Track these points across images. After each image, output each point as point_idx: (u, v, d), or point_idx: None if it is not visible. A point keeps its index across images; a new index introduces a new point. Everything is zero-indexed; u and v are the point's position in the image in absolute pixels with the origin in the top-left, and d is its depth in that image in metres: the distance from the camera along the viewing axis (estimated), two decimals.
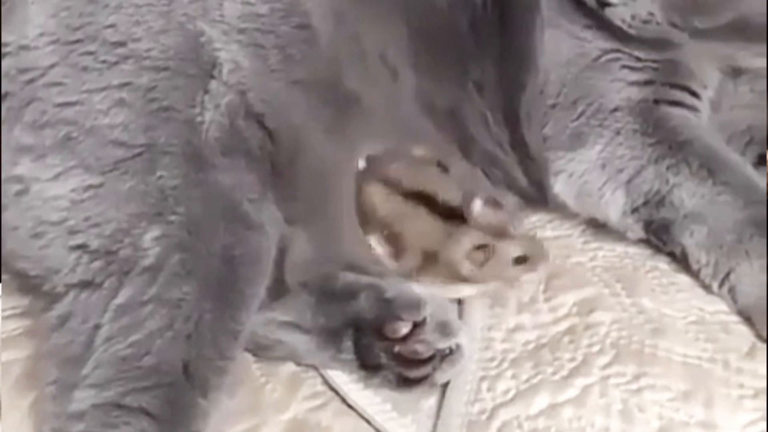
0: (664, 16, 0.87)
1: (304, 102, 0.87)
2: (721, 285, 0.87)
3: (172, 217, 0.79)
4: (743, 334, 0.85)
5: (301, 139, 0.86)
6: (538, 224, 1.00)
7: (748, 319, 0.86)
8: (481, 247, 0.89)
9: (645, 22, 0.88)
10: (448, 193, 0.91)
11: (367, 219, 0.91)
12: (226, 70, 0.84)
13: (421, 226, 0.91)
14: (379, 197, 0.91)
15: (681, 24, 0.87)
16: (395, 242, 0.91)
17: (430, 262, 0.90)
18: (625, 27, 0.88)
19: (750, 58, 0.91)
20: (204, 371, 0.76)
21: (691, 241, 0.88)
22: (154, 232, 0.78)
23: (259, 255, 0.81)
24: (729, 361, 0.83)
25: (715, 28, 0.88)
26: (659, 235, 0.91)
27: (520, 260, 0.89)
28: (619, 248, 0.95)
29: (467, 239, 0.89)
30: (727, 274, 0.86)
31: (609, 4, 0.88)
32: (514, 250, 0.89)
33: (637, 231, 0.92)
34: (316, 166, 0.87)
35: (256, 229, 0.81)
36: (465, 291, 0.90)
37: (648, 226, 0.91)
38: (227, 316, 0.78)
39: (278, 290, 0.87)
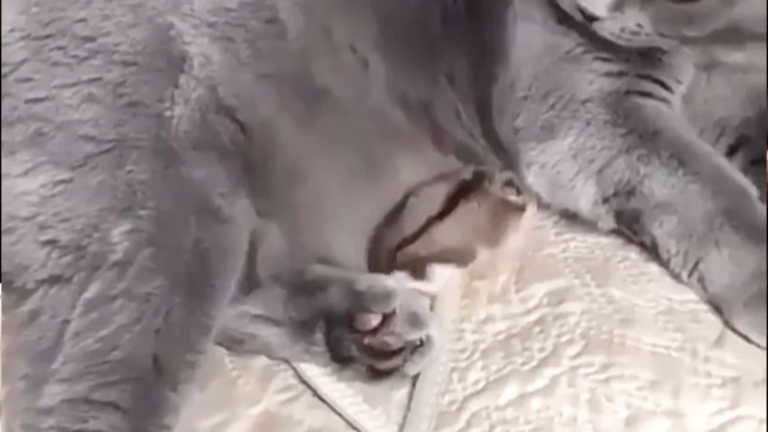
0: (653, 26, 0.87)
1: (275, 96, 0.87)
2: (690, 274, 0.87)
3: (142, 212, 0.79)
4: (712, 324, 0.86)
5: (272, 133, 0.87)
6: None
7: (717, 308, 0.86)
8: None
9: (634, 33, 0.87)
10: None
11: None
12: (196, 64, 0.85)
13: None
14: None
15: (670, 34, 0.87)
16: None
17: None
18: (613, 39, 0.88)
19: (728, 53, 0.91)
20: (174, 365, 0.76)
21: (661, 231, 0.88)
22: (124, 226, 0.78)
23: (230, 248, 0.81)
24: (697, 350, 0.84)
25: (705, 36, 0.87)
26: (630, 226, 0.91)
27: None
28: (591, 239, 0.96)
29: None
30: (696, 264, 0.87)
31: (596, 18, 0.87)
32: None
33: (608, 221, 0.93)
34: (287, 159, 0.87)
35: (227, 222, 0.81)
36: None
37: (619, 216, 0.91)
38: (197, 310, 0.78)
39: (250, 284, 0.87)
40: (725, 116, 0.96)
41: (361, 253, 0.93)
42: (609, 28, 0.87)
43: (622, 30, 0.87)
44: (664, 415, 0.78)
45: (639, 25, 0.86)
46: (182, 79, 0.84)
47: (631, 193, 0.89)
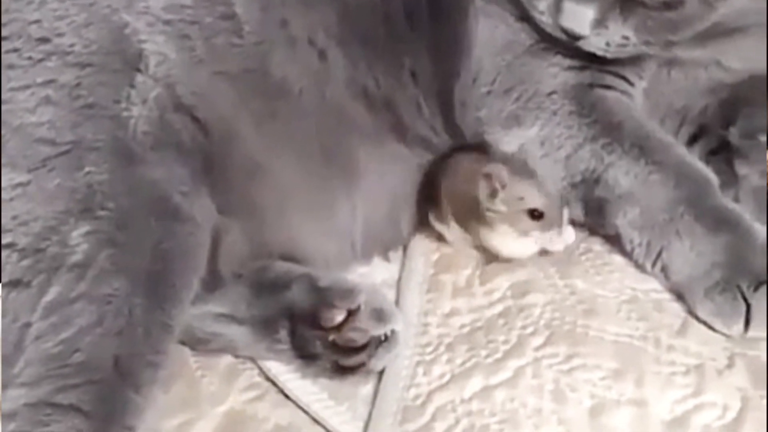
0: (638, 37, 0.87)
1: (233, 92, 0.87)
2: (654, 264, 0.88)
3: (101, 213, 0.78)
4: (675, 312, 0.86)
5: (231, 129, 0.86)
6: None
7: (680, 296, 0.87)
8: (487, 177, 0.89)
9: (621, 45, 0.88)
10: None
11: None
12: (152, 63, 0.84)
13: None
14: None
15: (656, 41, 0.88)
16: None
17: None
18: (602, 53, 0.89)
19: (689, 50, 0.91)
20: (136, 366, 0.76)
21: (625, 221, 0.89)
22: (82, 228, 0.77)
23: (190, 248, 0.81)
24: (660, 339, 0.84)
25: (689, 39, 0.88)
26: (595, 216, 0.91)
27: (535, 215, 0.88)
28: None
29: (478, 165, 0.90)
30: (659, 253, 0.87)
31: (581, 37, 0.87)
32: (530, 197, 0.88)
33: (576, 211, 0.92)
34: (247, 156, 0.87)
35: (187, 221, 0.81)
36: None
37: (585, 205, 0.91)
38: (159, 311, 0.78)
39: (213, 282, 0.87)
40: (685, 106, 0.97)
41: (334, 246, 0.93)
42: (595, 44, 0.88)
43: (609, 44, 0.88)
44: (628, 404, 0.79)
45: (625, 38, 0.87)
46: (139, 78, 0.83)
47: (596, 181, 0.90)
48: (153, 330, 0.77)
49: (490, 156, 0.92)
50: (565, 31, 0.88)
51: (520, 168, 0.90)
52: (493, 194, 0.89)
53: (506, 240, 0.90)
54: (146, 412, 0.76)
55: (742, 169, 0.93)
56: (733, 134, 0.94)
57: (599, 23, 0.86)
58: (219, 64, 0.86)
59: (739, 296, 0.83)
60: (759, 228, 0.86)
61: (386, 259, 0.97)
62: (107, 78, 0.83)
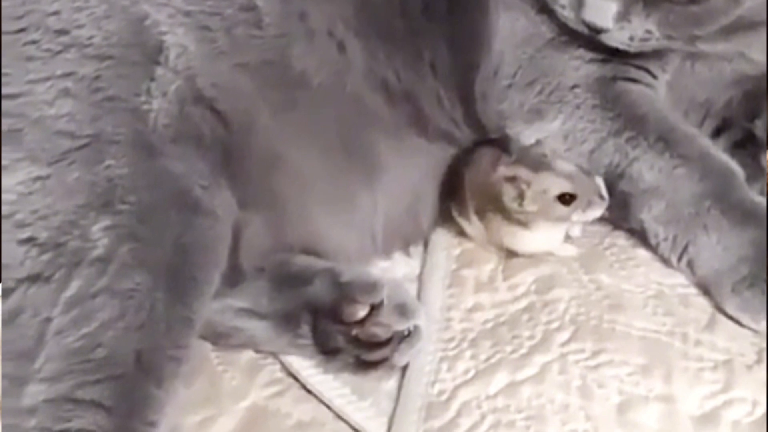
0: (661, 31, 0.86)
1: (253, 84, 0.86)
2: (679, 258, 0.87)
3: (121, 207, 0.77)
4: (702, 307, 0.85)
5: (251, 121, 0.85)
6: None
7: (706, 291, 0.86)
8: (511, 180, 0.87)
9: (643, 40, 0.87)
10: None
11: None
12: (172, 55, 0.83)
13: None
14: None
15: (680, 36, 0.87)
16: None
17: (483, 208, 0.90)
18: (624, 47, 0.87)
19: (713, 44, 0.90)
20: (158, 361, 0.75)
21: (650, 215, 0.88)
22: (103, 222, 0.76)
23: (211, 242, 0.80)
24: (688, 334, 0.83)
25: (713, 33, 0.87)
26: (620, 210, 0.90)
27: (566, 198, 0.87)
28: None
29: (502, 169, 0.88)
30: (686, 248, 0.86)
31: (604, 31, 0.86)
32: (555, 185, 0.87)
33: None
34: (267, 148, 0.86)
35: (208, 215, 0.80)
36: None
37: (610, 200, 0.89)
38: (180, 305, 0.77)
39: (235, 277, 0.86)
40: (709, 99, 0.96)
41: (355, 240, 0.92)
42: (618, 38, 0.87)
43: (632, 38, 0.87)
44: (656, 400, 0.78)
45: (648, 32, 0.86)
46: (159, 71, 0.82)
47: (620, 176, 0.89)
48: (175, 324, 0.76)
49: (509, 151, 0.91)
50: (587, 24, 0.87)
51: (534, 160, 0.89)
52: (521, 196, 0.87)
53: (542, 234, 0.89)
54: (168, 407, 0.75)
55: (766, 161, 0.92)
56: (759, 127, 0.93)
57: (622, 17, 0.85)
58: (239, 56, 0.86)
59: (767, 291, 0.81)
60: None
61: (407, 253, 0.96)
62: (127, 70, 0.82)
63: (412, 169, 0.94)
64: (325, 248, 0.90)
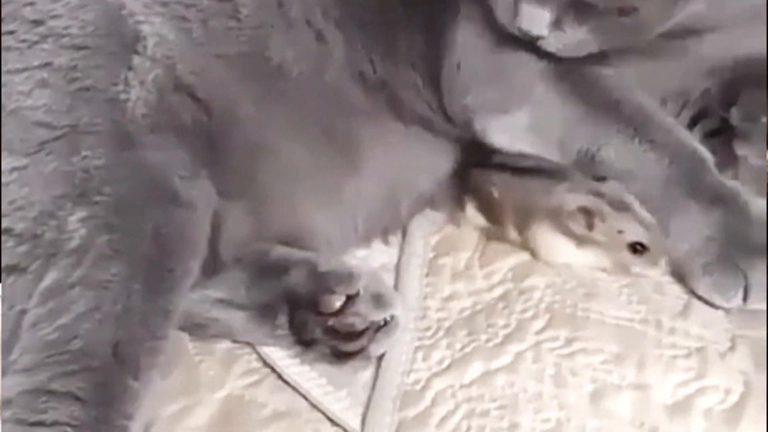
0: (596, 39, 0.85)
1: (232, 74, 0.85)
2: None
3: (98, 198, 0.77)
4: (676, 295, 0.85)
5: (232, 110, 0.85)
6: None
7: (679, 275, 0.86)
8: (585, 211, 0.86)
9: (578, 47, 0.86)
10: None
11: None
12: (150, 44, 0.82)
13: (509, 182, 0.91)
14: None
15: (615, 44, 0.86)
16: (488, 208, 0.91)
17: (528, 218, 0.89)
18: (560, 54, 0.87)
19: (655, 48, 0.89)
20: (135, 353, 0.74)
21: None
22: (80, 213, 0.76)
23: (190, 232, 0.80)
24: (662, 322, 0.83)
25: (651, 41, 0.86)
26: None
27: (638, 249, 0.86)
28: None
29: (571, 196, 0.87)
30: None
31: (540, 38, 0.85)
32: (631, 231, 0.86)
33: None
34: (249, 137, 0.85)
35: (186, 206, 0.80)
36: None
37: None
38: (157, 296, 0.76)
39: (214, 267, 0.85)
40: (685, 89, 0.95)
41: (337, 228, 0.91)
42: (554, 44, 0.86)
43: (566, 46, 0.86)
44: (630, 388, 0.78)
45: (582, 41, 0.85)
46: (136, 60, 0.82)
47: (591, 161, 0.88)
48: (152, 315, 0.75)
49: (578, 186, 0.89)
50: (522, 31, 0.86)
51: (617, 201, 0.87)
52: (589, 227, 0.86)
53: (587, 255, 0.88)
54: (144, 398, 0.74)
55: (741, 149, 0.91)
56: (734, 116, 0.93)
57: (556, 26, 0.84)
58: (217, 47, 0.85)
59: (737, 270, 0.82)
60: (756, 202, 0.85)
61: (385, 242, 0.95)
62: (104, 60, 0.81)
63: (393, 158, 0.93)
64: (306, 237, 0.89)
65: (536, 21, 0.84)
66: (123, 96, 0.80)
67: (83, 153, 0.78)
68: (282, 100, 0.88)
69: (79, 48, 0.81)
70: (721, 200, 0.85)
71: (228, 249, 0.86)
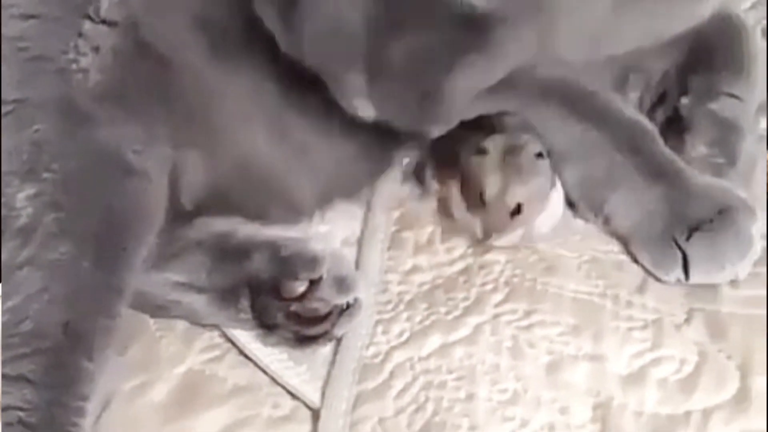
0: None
1: (187, 27, 0.82)
2: (596, 216, 0.87)
3: (46, 175, 0.74)
4: (635, 272, 0.85)
5: (188, 61, 0.81)
6: None
7: (626, 246, 0.86)
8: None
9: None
10: None
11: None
12: (104, 6, 0.79)
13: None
14: None
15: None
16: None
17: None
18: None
19: None
20: (87, 332, 0.73)
21: (566, 177, 0.87)
22: (28, 190, 0.74)
23: (144, 205, 0.78)
24: (619, 296, 0.83)
25: None
26: None
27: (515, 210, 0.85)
28: None
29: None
30: (601, 206, 0.86)
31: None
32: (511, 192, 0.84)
33: None
34: (202, 85, 0.82)
35: (140, 177, 0.77)
36: None
37: None
38: (108, 274, 0.75)
39: (179, 217, 0.83)
40: (643, 68, 0.94)
41: (286, 159, 0.88)
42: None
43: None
44: (585, 359, 0.78)
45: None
46: (87, 25, 0.78)
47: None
48: (103, 294, 0.74)
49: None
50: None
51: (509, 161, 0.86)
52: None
53: None
54: (100, 378, 0.73)
55: (690, 140, 0.91)
56: (684, 104, 0.92)
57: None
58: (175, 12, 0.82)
59: (674, 245, 0.82)
60: (697, 177, 0.85)
61: (349, 201, 0.93)
62: (52, 27, 0.78)
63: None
64: (263, 168, 0.86)
65: (365, 111, 0.80)
66: (73, 66, 0.77)
67: (34, 127, 0.75)
68: (236, 44, 0.84)
69: (28, 17, 0.78)
70: (663, 175, 0.84)
71: (189, 197, 0.84)
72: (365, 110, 0.81)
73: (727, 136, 0.91)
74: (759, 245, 0.83)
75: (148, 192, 0.78)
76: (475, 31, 0.73)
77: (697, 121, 0.91)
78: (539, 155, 0.86)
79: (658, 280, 0.83)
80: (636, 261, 0.85)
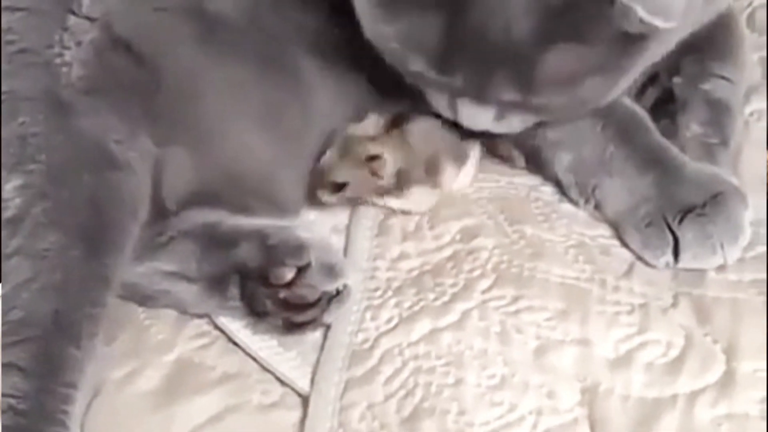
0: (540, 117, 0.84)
1: (170, 24, 0.82)
2: (587, 202, 0.87)
3: (33, 166, 0.74)
4: (622, 257, 0.84)
5: (169, 60, 0.81)
6: None
7: (617, 229, 0.86)
8: None
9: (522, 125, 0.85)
10: None
11: None
12: (86, 3, 0.79)
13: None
14: None
15: (559, 119, 0.86)
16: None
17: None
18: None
19: None
20: (75, 321, 0.72)
21: (561, 166, 0.87)
22: (15, 181, 0.73)
23: (128, 196, 0.77)
24: (606, 281, 0.82)
25: None
26: (534, 164, 0.90)
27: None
28: (504, 179, 0.93)
29: None
30: (593, 191, 0.86)
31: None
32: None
33: (519, 159, 0.90)
34: (184, 84, 0.82)
35: (123, 169, 0.77)
36: None
37: (525, 154, 0.90)
38: (96, 263, 0.74)
39: (161, 215, 0.82)
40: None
41: (285, 156, 0.88)
42: (497, 129, 0.86)
43: (510, 128, 0.85)
44: (573, 344, 0.77)
45: (526, 119, 0.84)
46: (72, 20, 0.78)
47: (525, 133, 0.86)
48: (91, 283, 0.73)
49: None
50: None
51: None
52: None
53: None
54: (87, 366, 0.72)
55: (683, 120, 0.90)
56: (677, 84, 0.92)
57: (499, 118, 0.83)
58: (155, 1, 0.82)
59: (665, 228, 0.82)
60: (690, 163, 0.85)
61: None
62: (38, 21, 0.78)
63: (345, 89, 0.89)
64: (251, 163, 0.85)
65: (478, 118, 0.83)
66: (58, 60, 0.77)
67: (20, 119, 0.75)
68: (218, 39, 0.84)
69: (15, 9, 0.78)
70: (655, 161, 0.84)
71: (172, 195, 0.83)
72: (469, 116, 0.82)
73: (719, 116, 0.90)
74: (750, 231, 0.82)
75: (132, 184, 0.77)
76: (631, 50, 0.76)
77: (691, 101, 0.90)
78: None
79: (647, 264, 0.83)
80: (625, 245, 0.84)
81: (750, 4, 1.05)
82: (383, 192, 0.88)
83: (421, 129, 0.89)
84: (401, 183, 0.88)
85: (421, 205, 0.89)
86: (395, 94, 0.89)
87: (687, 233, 0.81)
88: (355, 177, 0.87)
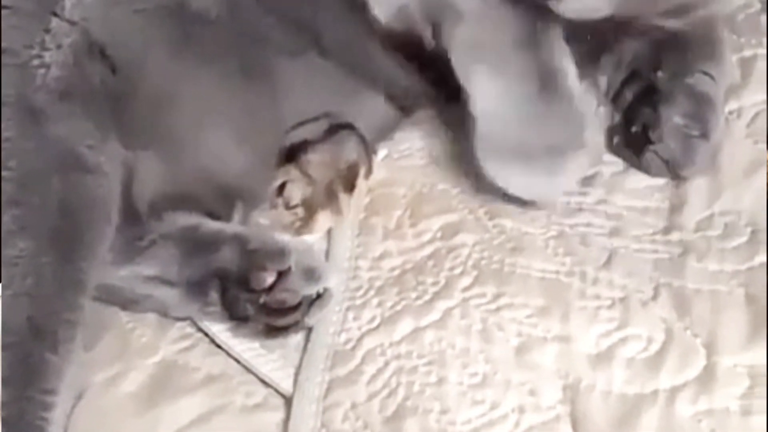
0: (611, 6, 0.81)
1: (149, 26, 0.80)
2: None
3: (4, 173, 0.72)
4: (601, 245, 0.82)
5: (142, 64, 0.80)
6: (406, 152, 0.94)
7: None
8: None
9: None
10: None
11: None
12: (68, 5, 0.77)
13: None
14: None
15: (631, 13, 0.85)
16: None
17: None
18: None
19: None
20: (51, 326, 0.70)
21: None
22: None
23: (99, 200, 0.75)
24: (586, 273, 0.80)
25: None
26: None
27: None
28: None
29: None
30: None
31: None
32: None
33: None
34: (156, 88, 0.80)
35: (94, 173, 0.75)
36: None
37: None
38: (69, 267, 0.72)
39: (132, 219, 0.81)
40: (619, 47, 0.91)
41: (250, 158, 0.86)
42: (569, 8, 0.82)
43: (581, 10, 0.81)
44: (554, 341, 0.75)
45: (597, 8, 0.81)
46: (54, 22, 0.77)
47: None
48: (65, 287, 0.71)
49: None
50: None
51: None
52: None
53: None
54: (66, 371, 0.70)
55: (665, 111, 0.88)
56: (660, 78, 0.90)
57: None
58: (135, 3, 0.80)
59: None
60: None
61: None
62: (22, 21, 0.76)
63: (318, 90, 0.88)
64: (224, 167, 0.84)
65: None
66: (36, 61, 0.75)
67: None
68: (197, 41, 0.82)
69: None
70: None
71: (142, 199, 0.81)
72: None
73: (702, 108, 0.88)
74: None
75: (103, 187, 0.76)
76: None
77: (674, 93, 0.88)
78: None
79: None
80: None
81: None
82: (299, 227, 0.87)
83: (317, 158, 0.88)
84: (309, 212, 0.87)
85: (322, 229, 0.87)
86: (371, 96, 0.87)
87: None
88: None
